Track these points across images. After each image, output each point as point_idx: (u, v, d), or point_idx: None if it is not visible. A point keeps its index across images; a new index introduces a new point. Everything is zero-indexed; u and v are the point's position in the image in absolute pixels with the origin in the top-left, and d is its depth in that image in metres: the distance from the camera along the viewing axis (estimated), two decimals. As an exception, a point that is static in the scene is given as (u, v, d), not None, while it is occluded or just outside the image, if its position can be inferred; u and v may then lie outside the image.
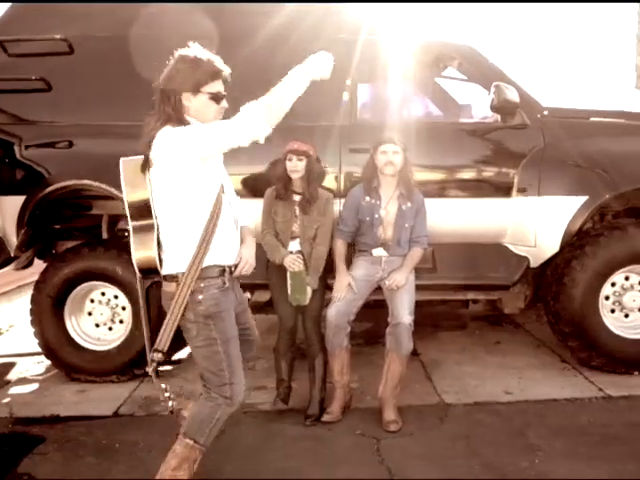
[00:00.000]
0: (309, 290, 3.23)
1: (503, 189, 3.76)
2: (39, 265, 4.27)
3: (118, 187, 3.68)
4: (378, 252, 3.41)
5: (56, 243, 4.36)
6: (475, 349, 4.42)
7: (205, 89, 2.21)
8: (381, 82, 4.69)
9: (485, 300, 4.19)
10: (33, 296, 3.93)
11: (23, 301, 6.00)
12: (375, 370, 3.61)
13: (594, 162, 3.68)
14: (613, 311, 3.80)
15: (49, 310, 3.88)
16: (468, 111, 4.71)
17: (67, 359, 3.93)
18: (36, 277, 4.04)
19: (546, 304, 3.91)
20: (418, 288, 4.02)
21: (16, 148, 3.87)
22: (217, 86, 2.24)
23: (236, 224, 2.36)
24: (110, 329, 4.01)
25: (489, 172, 3.81)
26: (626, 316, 3.81)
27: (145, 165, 2.21)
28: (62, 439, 3.11)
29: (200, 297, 2.21)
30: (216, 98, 2.24)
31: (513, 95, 3.59)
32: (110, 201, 4.00)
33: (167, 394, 2.37)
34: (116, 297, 3.97)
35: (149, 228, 2.24)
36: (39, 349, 4.03)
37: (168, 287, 2.25)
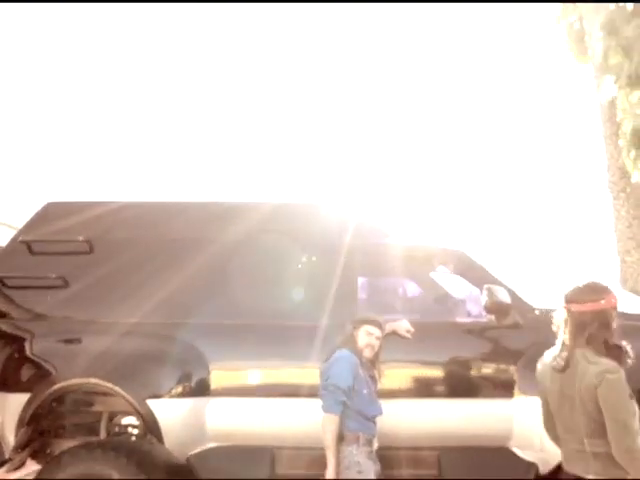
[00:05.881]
0: None
1: (505, 389, 3.75)
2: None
3: (125, 386, 3.67)
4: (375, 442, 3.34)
5: (50, 442, 4.18)
6: None
7: None
8: (380, 278, 4.96)
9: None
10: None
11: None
12: None
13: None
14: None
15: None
16: (463, 306, 4.88)
17: None
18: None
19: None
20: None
21: (27, 344, 3.90)
22: None
23: None
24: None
25: (490, 372, 3.84)
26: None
27: None
28: None
29: None
30: None
31: (504, 296, 3.74)
32: (110, 397, 3.94)
33: None
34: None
35: None
36: None
37: None
